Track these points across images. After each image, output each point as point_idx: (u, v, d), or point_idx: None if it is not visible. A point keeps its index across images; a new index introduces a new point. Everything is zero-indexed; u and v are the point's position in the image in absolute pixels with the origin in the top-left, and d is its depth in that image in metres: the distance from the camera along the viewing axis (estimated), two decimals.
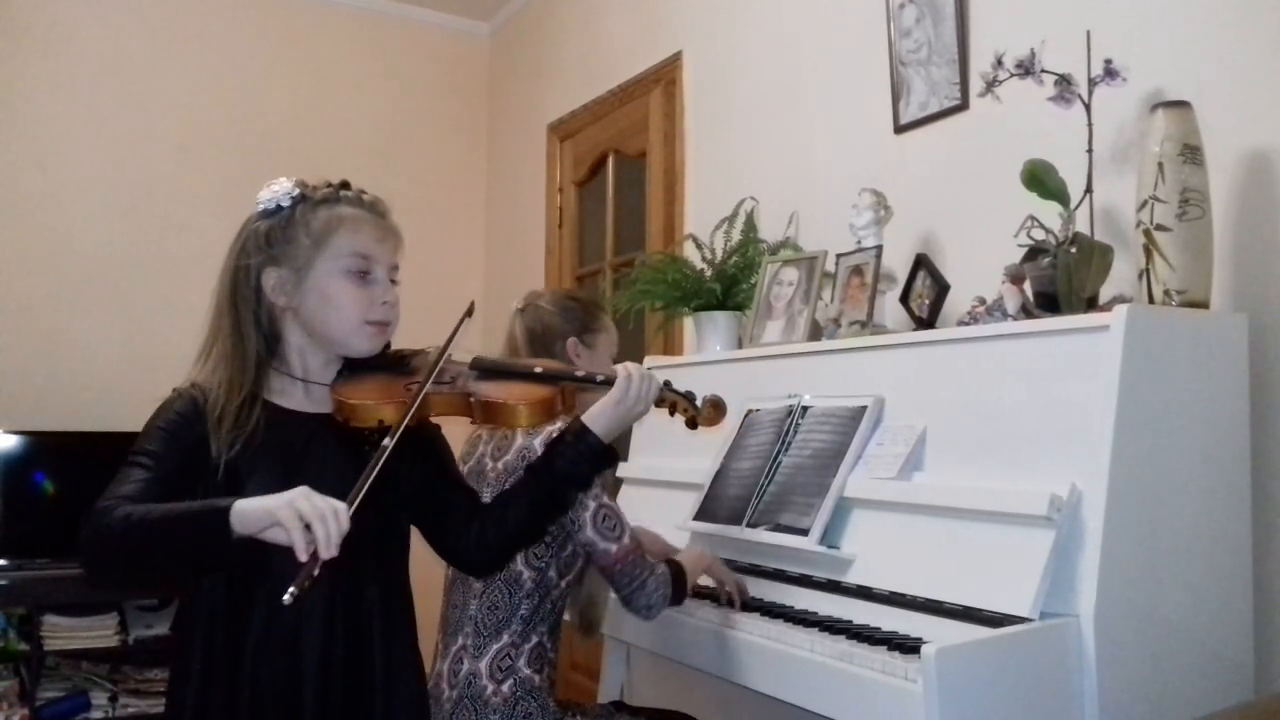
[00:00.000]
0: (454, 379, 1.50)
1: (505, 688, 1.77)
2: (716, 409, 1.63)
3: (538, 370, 1.54)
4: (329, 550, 1.16)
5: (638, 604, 1.76)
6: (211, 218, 3.96)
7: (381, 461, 1.29)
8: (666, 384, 1.60)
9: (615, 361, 1.75)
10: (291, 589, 1.13)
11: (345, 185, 1.49)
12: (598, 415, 1.51)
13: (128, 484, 1.31)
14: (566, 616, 1.92)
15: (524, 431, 1.84)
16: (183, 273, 3.96)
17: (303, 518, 1.17)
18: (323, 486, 1.36)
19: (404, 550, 1.52)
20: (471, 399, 1.48)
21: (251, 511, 1.20)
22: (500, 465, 1.87)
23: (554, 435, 1.60)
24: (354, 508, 1.22)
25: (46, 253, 3.92)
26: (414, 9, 4.72)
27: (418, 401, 1.40)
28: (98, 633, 3.53)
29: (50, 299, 3.92)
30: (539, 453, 1.74)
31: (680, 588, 1.80)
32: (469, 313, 1.52)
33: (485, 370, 1.54)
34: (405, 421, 1.35)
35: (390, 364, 1.51)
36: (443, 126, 4.82)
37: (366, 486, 1.26)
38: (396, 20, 4.71)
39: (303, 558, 1.16)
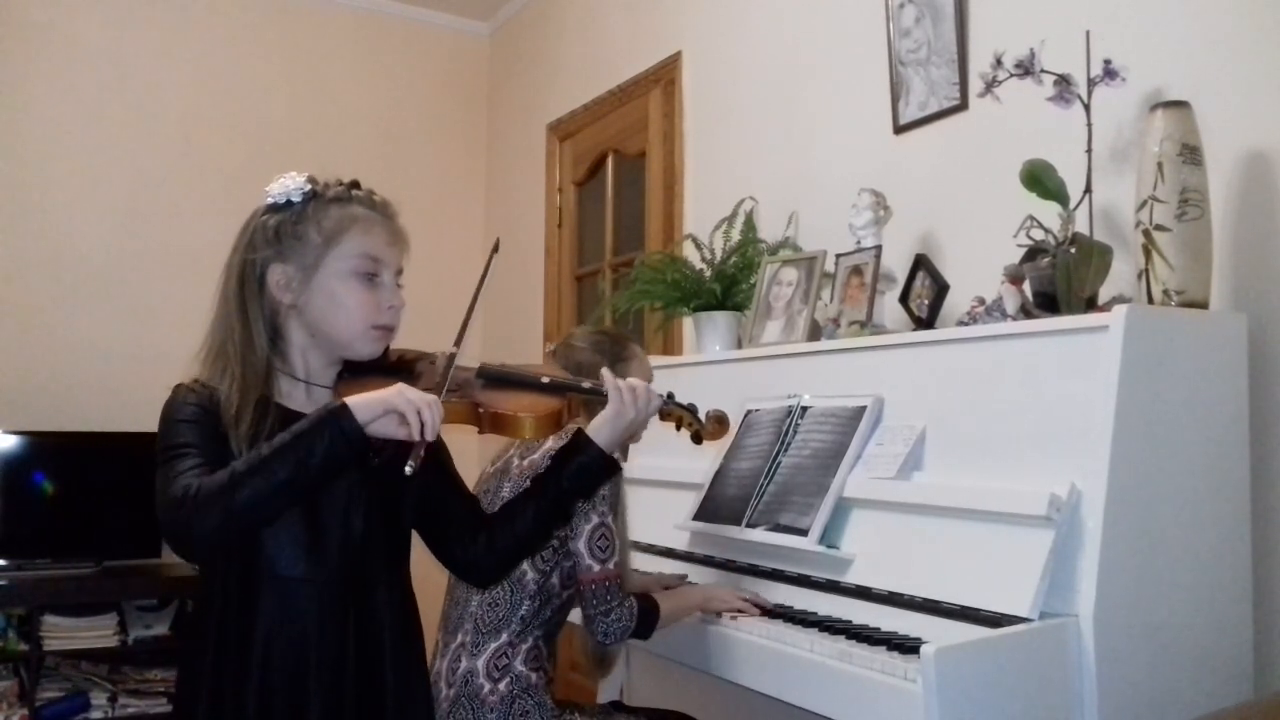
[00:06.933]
0: (461, 387, 1.47)
1: (502, 686, 1.78)
2: (720, 424, 1.63)
3: (545, 380, 1.53)
4: (433, 433, 1.29)
5: (597, 627, 1.78)
6: (211, 218, 3.95)
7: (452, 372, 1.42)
8: (670, 398, 1.60)
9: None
10: (410, 462, 1.26)
11: (356, 185, 1.46)
12: (599, 428, 1.53)
13: (184, 473, 1.26)
14: (577, 629, 1.92)
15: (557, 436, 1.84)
16: (183, 272, 3.96)
17: (413, 404, 1.28)
18: (331, 495, 1.37)
19: (408, 554, 1.51)
20: (480, 409, 1.45)
21: (365, 403, 1.27)
22: (525, 463, 1.90)
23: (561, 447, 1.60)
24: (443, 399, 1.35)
25: (46, 252, 3.92)
26: (414, 9, 4.72)
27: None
28: (97, 633, 3.53)
29: (50, 299, 3.92)
30: None
31: (647, 626, 1.81)
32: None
33: (492, 378, 1.52)
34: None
35: (393, 368, 1.47)
36: (442, 126, 4.81)
37: (448, 383, 1.40)
38: (396, 20, 4.71)
39: (415, 438, 1.28)
